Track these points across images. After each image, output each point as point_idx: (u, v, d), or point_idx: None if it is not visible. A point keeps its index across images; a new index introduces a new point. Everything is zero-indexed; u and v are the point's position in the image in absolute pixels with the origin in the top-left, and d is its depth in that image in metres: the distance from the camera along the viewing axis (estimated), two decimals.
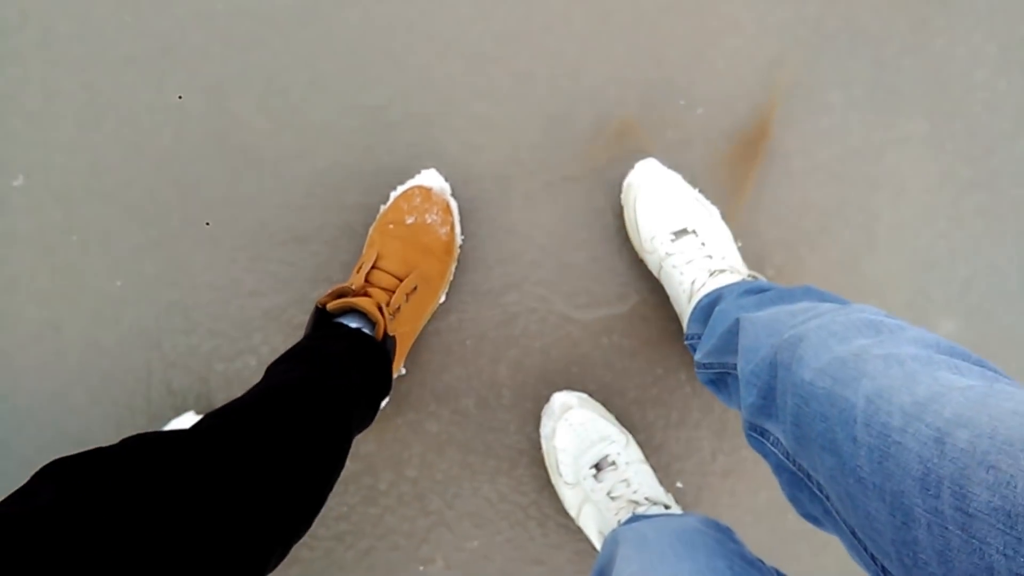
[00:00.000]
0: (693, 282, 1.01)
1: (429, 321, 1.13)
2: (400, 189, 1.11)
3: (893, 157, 1.19)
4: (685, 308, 1.03)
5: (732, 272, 1.00)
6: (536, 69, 1.15)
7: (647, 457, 1.15)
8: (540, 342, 1.17)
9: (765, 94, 1.15)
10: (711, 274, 1.00)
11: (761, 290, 0.90)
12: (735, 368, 0.77)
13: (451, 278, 1.15)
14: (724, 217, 1.14)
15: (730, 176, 1.16)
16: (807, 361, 0.58)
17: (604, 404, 1.16)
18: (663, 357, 1.16)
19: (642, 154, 1.15)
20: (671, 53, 1.15)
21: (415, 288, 1.02)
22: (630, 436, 1.11)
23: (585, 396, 1.15)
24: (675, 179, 1.11)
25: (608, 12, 1.14)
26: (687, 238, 1.04)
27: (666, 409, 1.18)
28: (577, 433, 1.07)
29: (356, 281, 0.96)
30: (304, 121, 1.11)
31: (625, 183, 1.14)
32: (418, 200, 1.07)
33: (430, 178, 1.12)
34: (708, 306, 0.96)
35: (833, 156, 1.17)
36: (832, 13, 1.16)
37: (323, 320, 0.91)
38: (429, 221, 1.06)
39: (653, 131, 1.15)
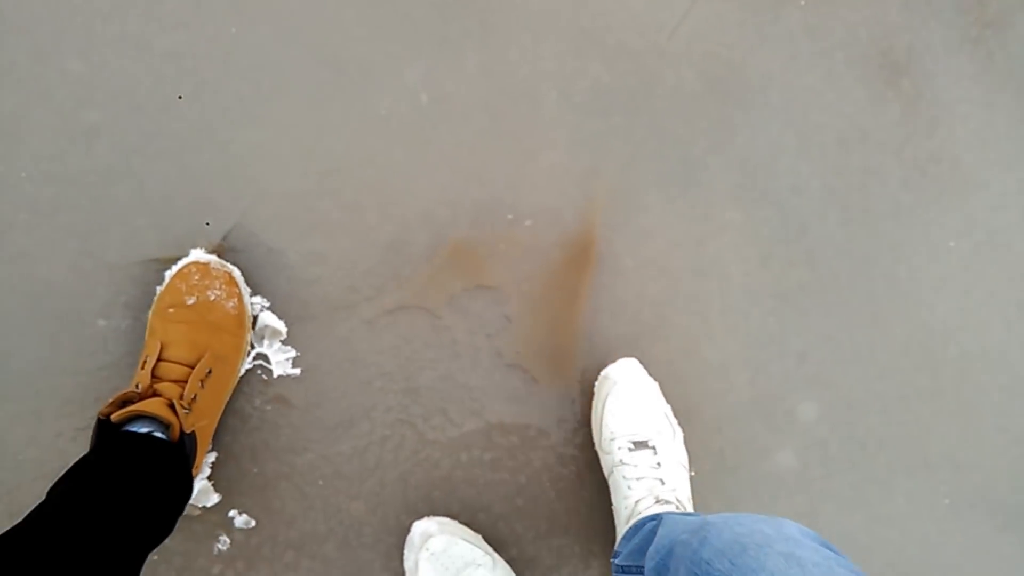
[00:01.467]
0: (638, 502, 1.05)
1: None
2: (173, 269, 1.09)
3: (714, 246, 1.37)
4: (622, 523, 1.09)
5: (678, 507, 1.05)
6: (364, 200, 1.29)
7: (520, 574, 1.24)
8: (397, 470, 1.25)
9: (587, 202, 1.33)
10: (657, 501, 1.05)
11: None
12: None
13: (248, 350, 1.17)
14: (566, 319, 1.31)
15: (566, 282, 1.31)
16: (709, 540, 0.64)
17: (470, 523, 1.23)
18: (524, 464, 1.26)
19: (476, 273, 1.30)
20: (493, 173, 1.31)
21: (210, 372, 0.99)
22: (497, 556, 1.18)
23: (446, 520, 1.20)
24: (651, 388, 1.20)
25: (427, 141, 1.29)
26: (645, 452, 1.10)
27: (533, 519, 1.27)
28: (441, 562, 1.13)
29: (142, 380, 0.93)
30: (124, 278, 1.20)
31: (602, 374, 1.22)
32: (196, 277, 1.05)
33: (201, 255, 1.12)
34: (645, 530, 1.00)
35: (658, 251, 1.34)
36: (638, 122, 1.34)
37: (108, 432, 0.87)
38: (213, 297, 1.04)
39: (486, 247, 1.30)
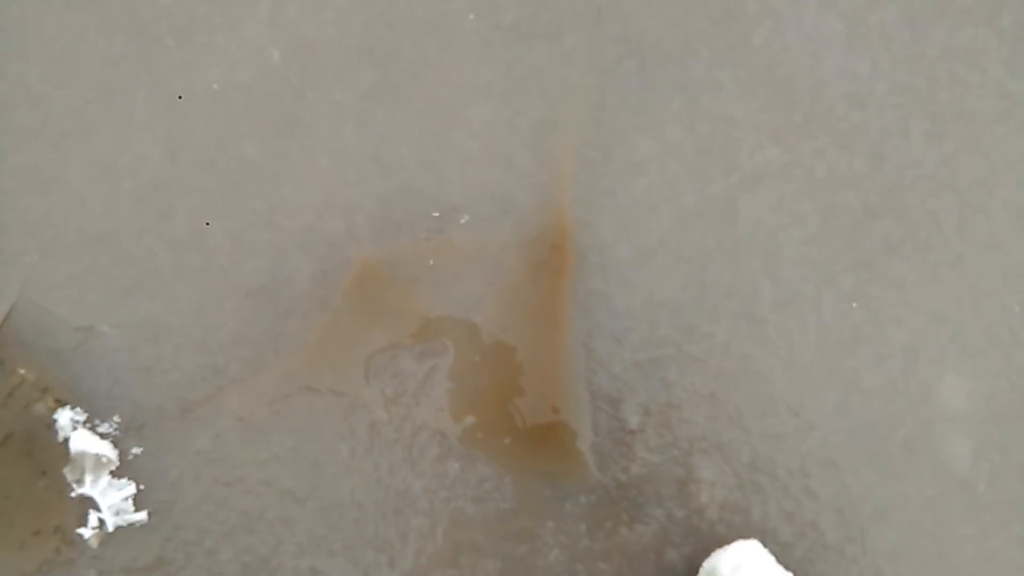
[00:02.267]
0: None
1: None
2: None
3: (749, 205, 0.95)
4: None
5: None
6: (206, 227, 0.88)
7: None
8: None
9: (546, 172, 0.92)
10: None
11: None
12: None
13: None
14: (547, 358, 0.90)
15: (536, 300, 0.91)
16: None
17: None
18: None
19: (396, 312, 0.89)
20: (399, 151, 0.90)
21: None
22: None
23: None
24: None
25: (290, 119, 0.88)
26: None
27: None
28: None
29: None
30: None
31: (706, 566, 0.86)
32: None
33: None
34: None
35: (665, 227, 0.92)
36: (603, 35, 0.93)
37: None
38: None
39: (406, 268, 0.90)
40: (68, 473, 0.84)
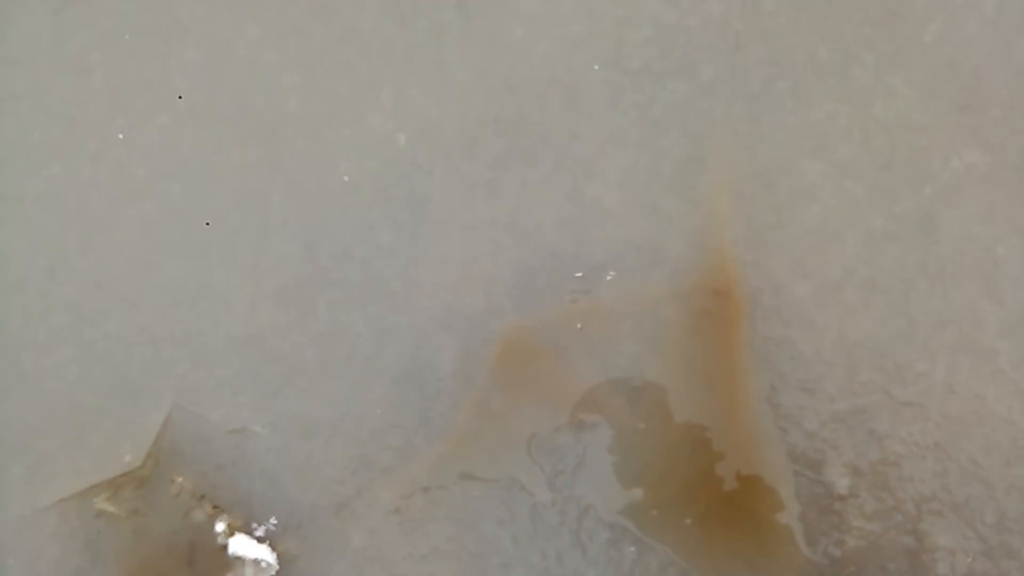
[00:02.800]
0: None
1: None
2: None
3: (950, 218, 0.87)
4: None
5: None
6: (344, 314, 0.92)
7: None
8: None
9: (699, 214, 0.88)
10: None
11: None
12: None
13: None
14: (723, 420, 0.83)
15: (705, 353, 0.86)
16: None
17: None
18: None
19: (549, 381, 0.86)
20: (533, 212, 0.90)
21: None
22: None
23: None
24: None
25: (422, 200, 0.92)
26: None
27: None
28: None
29: None
30: None
31: None
32: None
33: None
34: None
35: (851, 253, 0.86)
36: (746, 60, 0.90)
37: None
38: None
39: (551, 334, 0.88)
40: None
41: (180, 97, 0.94)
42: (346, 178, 0.94)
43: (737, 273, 0.86)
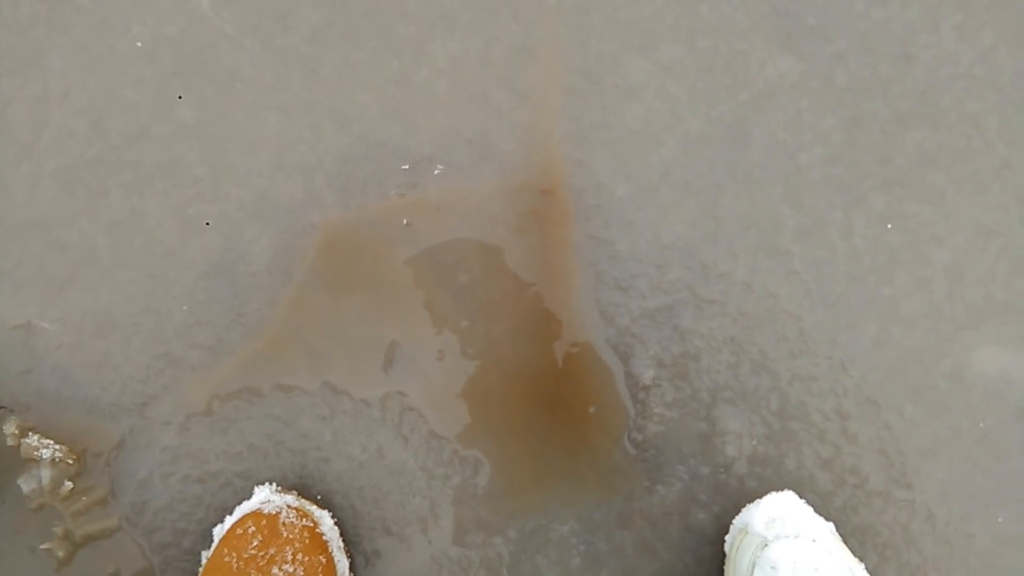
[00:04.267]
0: None
1: None
2: (227, 522, 0.78)
3: (761, 118, 0.92)
4: None
5: None
6: (142, 203, 0.82)
7: None
8: None
9: (526, 108, 0.87)
10: None
11: None
12: None
13: None
14: (549, 303, 0.86)
15: (531, 251, 0.87)
16: None
17: None
18: None
19: (381, 279, 0.85)
20: (358, 100, 0.85)
21: None
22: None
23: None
24: (829, 543, 0.78)
25: (228, 71, 0.83)
26: None
27: None
28: None
29: None
30: None
31: (737, 523, 0.82)
32: (257, 539, 0.76)
33: (267, 498, 0.79)
34: None
35: (668, 155, 0.89)
36: None
37: None
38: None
39: (376, 229, 0.85)
40: (24, 484, 0.81)
41: None
42: (139, 44, 0.84)
43: (564, 172, 0.86)
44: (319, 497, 0.84)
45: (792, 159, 0.86)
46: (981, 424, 0.85)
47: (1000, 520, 0.84)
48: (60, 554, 0.79)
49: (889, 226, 0.86)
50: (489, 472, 0.84)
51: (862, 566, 0.80)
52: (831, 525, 0.81)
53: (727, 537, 0.83)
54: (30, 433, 0.79)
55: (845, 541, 0.83)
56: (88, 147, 0.83)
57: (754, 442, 0.86)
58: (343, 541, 0.82)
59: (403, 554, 0.83)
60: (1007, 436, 0.85)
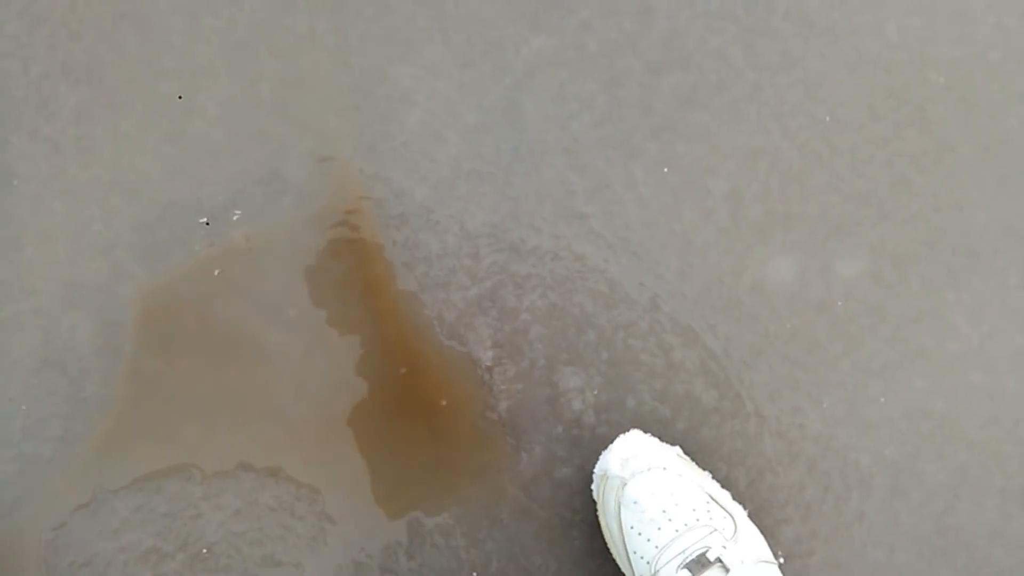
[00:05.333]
0: None
1: None
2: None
3: (529, 102, 0.97)
4: None
5: None
6: None
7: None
8: None
9: (307, 136, 0.90)
10: None
11: None
12: None
13: None
14: (382, 330, 0.90)
15: (350, 270, 0.91)
16: None
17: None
18: None
19: (209, 333, 0.88)
20: (140, 167, 0.86)
21: None
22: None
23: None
24: (678, 467, 0.88)
25: None
26: (711, 574, 0.83)
27: None
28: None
29: None
30: None
31: (597, 470, 0.89)
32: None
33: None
34: None
35: (456, 151, 0.94)
36: None
37: None
38: None
39: (191, 287, 0.88)
40: None
41: None
42: None
43: (361, 189, 0.90)
44: (205, 551, 0.87)
45: (566, 129, 0.92)
46: (788, 325, 0.94)
47: (826, 405, 0.94)
48: None
49: (666, 169, 0.93)
50: (359, 489, 0.89)
51: (708, 475, 0.89)
52: (677, 448, 0.88)
53: (592, 486, 0.90)
54: None
55: (694, 459, 0.91)
56: None
57: (595, 393, 0.93)
58: None
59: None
60: (813, 330, 0.95)
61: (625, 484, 0.85)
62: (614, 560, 0.87)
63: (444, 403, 0.92)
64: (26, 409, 0.85)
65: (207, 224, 0.88)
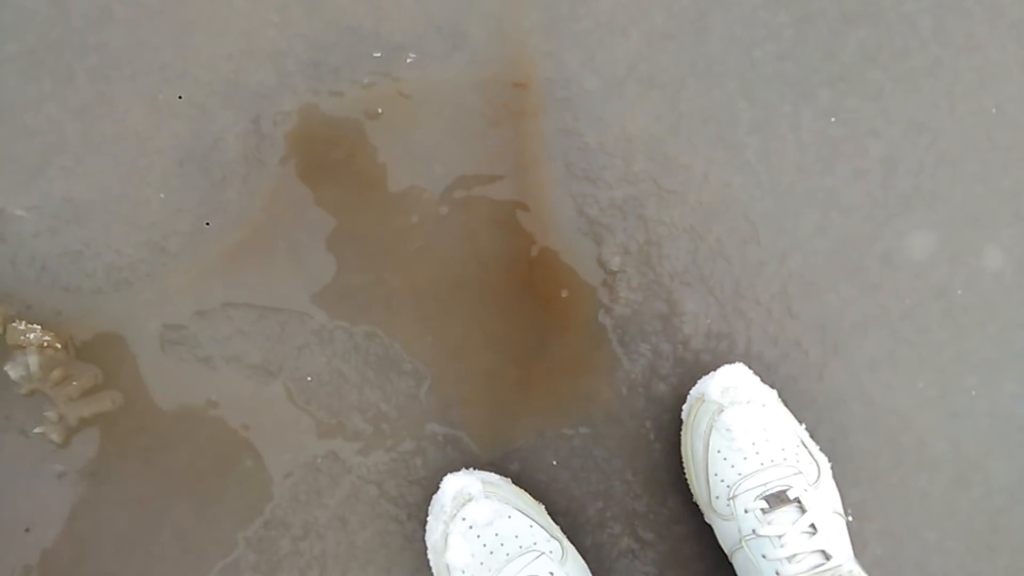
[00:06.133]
0: None
1: None
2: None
3: (718, 21, 0.97)
4: None
5: None
6: (109, 88, 0.81)
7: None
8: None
9: (508, 3, 0.89)
10: None
11: None
12: None
13: None
14: (520, 207, 0.90)
15: (504, 142, 0.91)
16: None
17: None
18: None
19: (356, 167, 0.87)
20: None
21: None
22: (567, 542, 0.87)
23: (495, 479, 0.89)
24: (776, 408, 0.90)
25: None
26: (787, 511, 0.84)
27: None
28: (482, 541, 0.84)
29: None
30: None
31: (694, 392, 0.91)
32: None
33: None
34: None
35: (633, 53, 0.94)
36: None
37: None
38: None
39: (350, 116, 0.88)
40: (11, 371, 0.82)
41: None
42: None
43: (535, 65, 0.89)
44: (309, 379, 0.88)
45: (747, 54, 0.92)
46: (907, 302, 0.95)
47: (920, 386, 0.96)
48: (55, 438, 0.81)
49: (833, 120, 0.94)
50: (462, 356, 0.90)
51: (803, 427, 0.91)
52: (775, 392, 0.90)
53: (684, 406, 0.92)
54: (16, 320, 0.79)
55: (787, 406, 0.93)
56: (50, 29, 0.81)
57: (709, 321, 0.94)
58: None
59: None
60: (928, 313, 0.96)
61: (722, 410, 0.87)
62: (685, 480, 0.89)
63: (564, 294, 0.93)
64: (164, 198, 0.84)
65: (378, 57, 0.87)
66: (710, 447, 0.88)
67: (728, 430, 0.86)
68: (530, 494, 0.89)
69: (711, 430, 0.88)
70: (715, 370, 0.91)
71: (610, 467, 0.93)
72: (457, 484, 0.85)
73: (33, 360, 0.80)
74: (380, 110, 0.88)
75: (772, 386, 0.93)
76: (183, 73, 0.84)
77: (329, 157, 0.87)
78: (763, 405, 0.89)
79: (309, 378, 0.89)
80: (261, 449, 0.86)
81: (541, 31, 0.90)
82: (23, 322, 0.81)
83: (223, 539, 0.85)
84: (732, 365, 0.92)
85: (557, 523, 0.89)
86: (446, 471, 0.87)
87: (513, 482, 0.90)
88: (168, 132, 0.84)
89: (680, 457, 0.94)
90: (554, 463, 0.91)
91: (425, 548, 0.86)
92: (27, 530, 0.81)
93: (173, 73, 0.84)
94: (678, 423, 0.94)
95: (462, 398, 0.91)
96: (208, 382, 0.87)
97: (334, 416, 0.88)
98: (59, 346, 0.81)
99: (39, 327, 0.81)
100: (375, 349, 0.90)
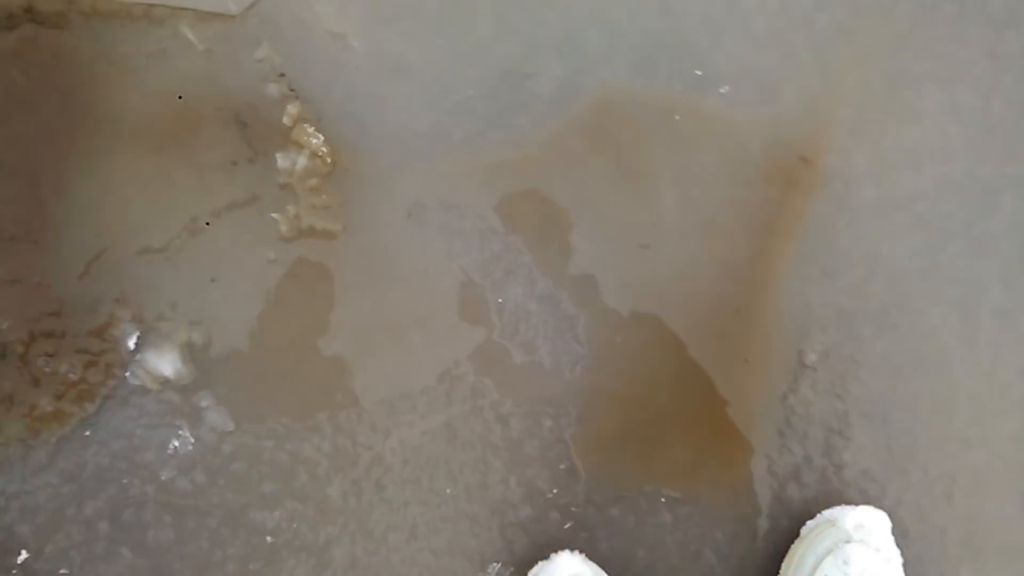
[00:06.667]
0: None
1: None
2: None
3: (1009, 202, 0.98)
4: None
5: None
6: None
7: None
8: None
9: (823, 77, 0.94)
10: None
11: None
12: None
13: None
14: (751, 265, 0.93)
15: (766, 202, 0.94)
16: None
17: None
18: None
19: (621, 148, 0.93)
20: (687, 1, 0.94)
21: None
22: None
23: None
24: (896, 571, 0.87)
25: None
26: None
27: None
28: None
29: None
30: None
31: (827, 514, 0.90)
32: None
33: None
34: None
35: (926, 184, 0.96)
36: None
37: None
38: None
39: (648, 111, 0.94)
40: (280, 159, 0.89)
41: None
42: None
43: (828, 151, 0.93)
44: (500, 300, 0.91)
45: None
46: None
47: None
48: (283, 230, 0.88)
49: None
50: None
51: None
52: (902, 559, 0.87)
53: (809, 522, 0.90)
54: (306, 124, 0.87)
55: None
56: None
57: (870, 461, 0.92)
58: None
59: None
60: None
61: (849, 542, 0.86)
62: None
63: (746, 360, 0.93)
64: (470, 95, 0.92)
65: (699, 76, 0.93)
66: (820, 568, 0.86)
67: (846, 563, 0.85)
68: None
69: (829, 554, 0.86)
70: (858, 505, 0.90)
71: (715, 540, 0.92)
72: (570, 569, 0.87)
73: (302, 161, 0.87)
74: (677, 117, 0.93)
75: (901, 554, 0.90)
76: (538, 11, 0.92)
77: (613, 131, 0.93)
78: (887, 561, 0.86)
79: (500, 299, 0.93)
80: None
81: (848, 125, 0.94)
82: (312, 127, 0.89)
83: None
84: (877, 510, 0.90)
85: None
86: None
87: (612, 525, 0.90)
88: (502, 49, 0.92)
89: (775, 567, 0.92)
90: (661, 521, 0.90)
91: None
92: (212, 280, 0.88)
93: (530, 5, 0.93)
94: (791, 533, 0.91)
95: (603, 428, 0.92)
96: (430, 257, 0.92)
97: None
98: (329, 160, 0.88)
99: (322, 139, 0.89)
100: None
